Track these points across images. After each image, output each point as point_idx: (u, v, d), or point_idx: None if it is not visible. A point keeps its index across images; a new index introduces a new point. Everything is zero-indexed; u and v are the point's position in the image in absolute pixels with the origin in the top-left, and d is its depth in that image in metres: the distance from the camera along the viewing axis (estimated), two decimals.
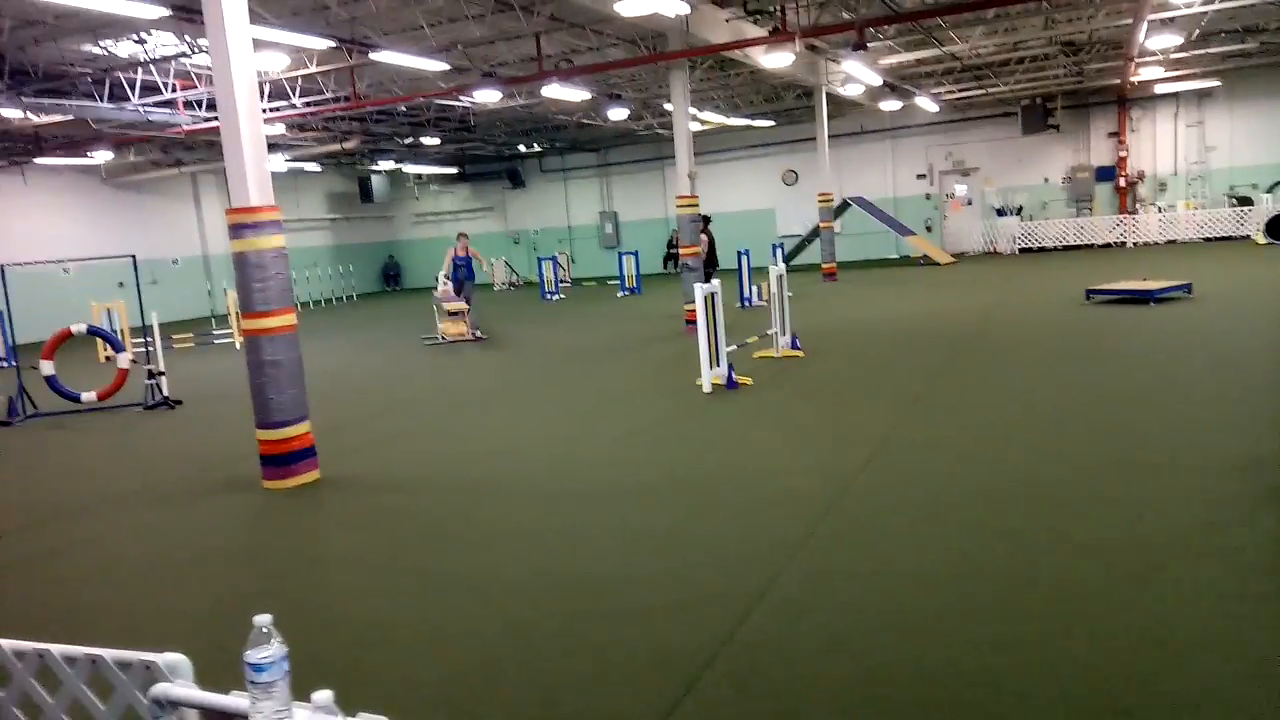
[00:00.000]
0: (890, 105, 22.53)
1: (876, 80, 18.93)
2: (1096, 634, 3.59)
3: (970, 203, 27.75)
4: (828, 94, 21.58)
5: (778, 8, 13.86)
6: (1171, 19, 15.87)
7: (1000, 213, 26.76)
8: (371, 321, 22.01)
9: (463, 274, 16.77)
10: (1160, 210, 25.18)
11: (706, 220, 18.54)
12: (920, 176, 28.17)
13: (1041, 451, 6.28)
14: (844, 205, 25.28)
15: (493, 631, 4.10)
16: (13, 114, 15.62)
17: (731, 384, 9.52)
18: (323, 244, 31.91)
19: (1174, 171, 25.57)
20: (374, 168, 30.77)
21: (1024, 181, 26.93)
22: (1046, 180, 26.80)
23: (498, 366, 12.84)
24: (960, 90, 23.99)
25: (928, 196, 28.18)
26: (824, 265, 22.38)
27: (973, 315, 13.68)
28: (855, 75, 17.58)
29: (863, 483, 5.86)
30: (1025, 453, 6.28)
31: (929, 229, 27.86)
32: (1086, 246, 25.50)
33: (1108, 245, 25.31)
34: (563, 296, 24.38)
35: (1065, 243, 25.68)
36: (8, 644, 2.17)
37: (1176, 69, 22.26)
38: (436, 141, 25.56)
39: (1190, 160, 25.40)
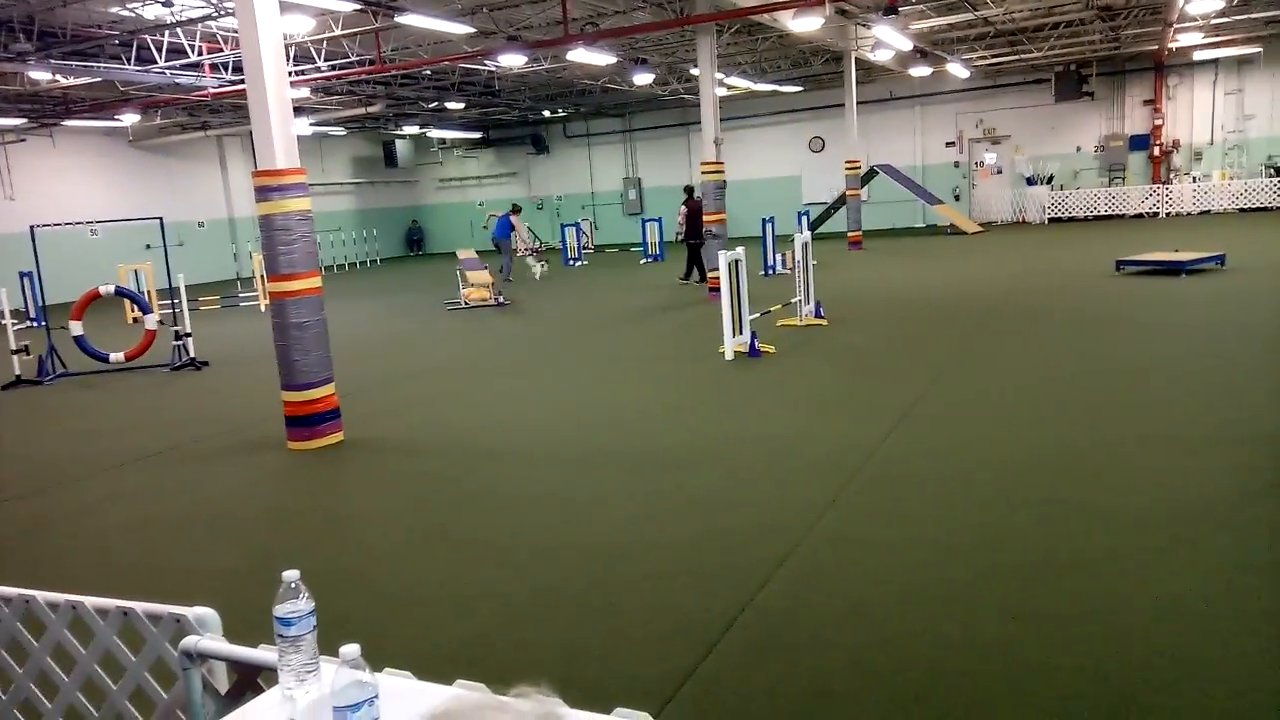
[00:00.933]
0: (920, 71, 22.15)
1: (907, 45, 18.60)
2: (1116, 605, 3.57)
3: (1000, 171, 27.35)
4: (857, 59, 21.25)
5: None
6: None
7: (1030, 181, 26.36)
8: (395, 286, 22.09)
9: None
10: (1195, 180, 24.71)
11: (689, 190, 18.46)
12: (949, 144, 27.77)
13: (1066, 423, 6.23)
14: (871, 173, 24.99)
15: (516, 594, 4.14)
16: (41, 76, 15.69)
17: (754, 352, 9.49)
18: (347, 208, 31.99)
19: (1210, 140, 25.03)
20: (398, 132, 30.72)
21: (1055, 150, 26.48)
22: (1079, 149, 26.33)
23: (520, 332, 12.87)
24: (993, 56, 23.54)
25: (956, 164, 27.79)
26: (850, 233, 22.18)
27: (1000, 285, 13.53)
28: (885, 40, 17.28)
29: (886, 452, 5.84)
30: (1049, 424, 6.23)
31: (957, 198, 27.51)
32: (1118, 217, 25.10)
33: (1140, 215, 24.89)
34: (585, 263, 24.34)
35: (1096, 213, 25.29)
36: (42, 595, 2.21)
37: (1216, 34, 21.72)
38: (461, 106, 25.45)
39: (1227, 129, 24.85)
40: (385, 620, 3.99)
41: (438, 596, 4.20)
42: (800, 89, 27.13)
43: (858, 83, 21.98)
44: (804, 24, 14.38)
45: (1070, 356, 8.37)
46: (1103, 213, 25.23)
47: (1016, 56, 23.56)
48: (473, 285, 16.26)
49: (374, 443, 7.16)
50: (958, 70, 23.40)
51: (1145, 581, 3.78)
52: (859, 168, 22.58)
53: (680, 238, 17.83)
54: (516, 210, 21.09)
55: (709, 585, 4.05)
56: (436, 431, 7.39)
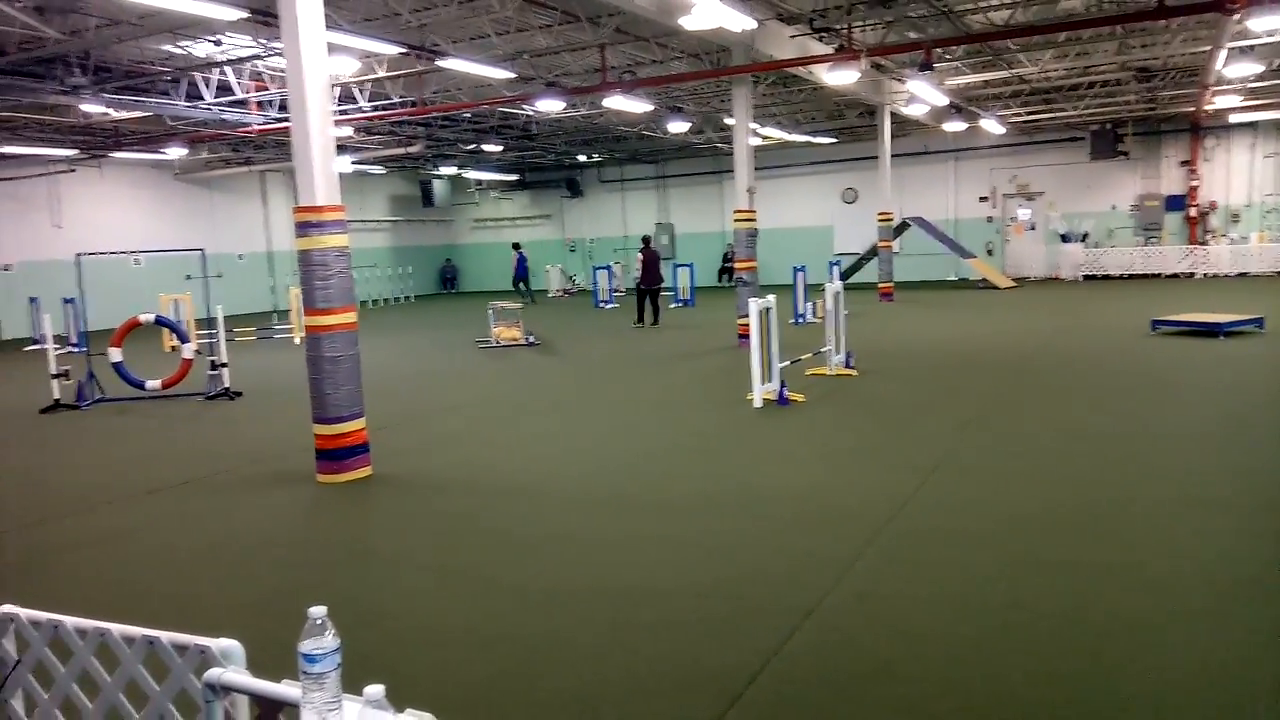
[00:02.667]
0: (955, 126, 22.25)
1: (942, 100, 18.71)
2: (1148, 671, 3.48)
3: (1033, 227, 27.27)
4: (891, 113, 21.39)
5: (845, 26, 13.79)
6: (1251, 47, 15.45)
7: (1065, 238, 26.24)
8: (428, 323, 22.30)
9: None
10: (1232, 241, 24.47)
11: (646, 240, 19.51)
12: (983, 199, 27.77)
13: (1098, 483, 6.13)
14: (903, 225, 25.01)
15: (535, 637, 4.11)
16: (94, 109, 16.16)
17: (783, 400, 9.45)
18: (383, 245, 32.45)
19: (1248, 202, 24.84)
20: (436, 172, 31.23)
21: (1090, 208, 26.37)
22: (1114, 207, 26.21)
23: (549, 373, 12.91)
24: (1028, 113, 23.61)
25: (989, 219, 27.75)
26: (881, 285, 22.15)
27: (1032, 341, 13.42)
28: (920, 95, 17.39)
29: (914, 505, 5.77)
30: (1081, 484, 6.13)
31: (990, 252, 27.43)
32: (1153, 276, 24.87)
33: (1175, 276, 24.66)
34: (616, 305, 24.46)
35: (1131, 271, 25.08)
36: (70, 621, 2.23)
37: (1255, 98, 21.65)
38: (498, 148, 25.86)
39: (1266, 192, 24.65)
40: (405, 659, 3.97)
41: (458, 637, 4.18)
42: (834, 140, 27.32)
43: (892, 135, 22.11)
44: (840, 78, 14.51)
45: (1103, 415, 8.26)
46: (1138, 272, 25.02)
47: (1051, 114, 23.61)
48: (503, 324, 16.38)
49: (401, 478, 7.19)
50: (992, 126, 23.48)
51: (1178, 647, 3.68)
52: (891, 219, 22.61)
53: (637, 284, 18.94)
54: (516, 247, 27.48)
55: (732, 635, 4.00)
56: (463, 469, 7.40)
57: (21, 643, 2.31)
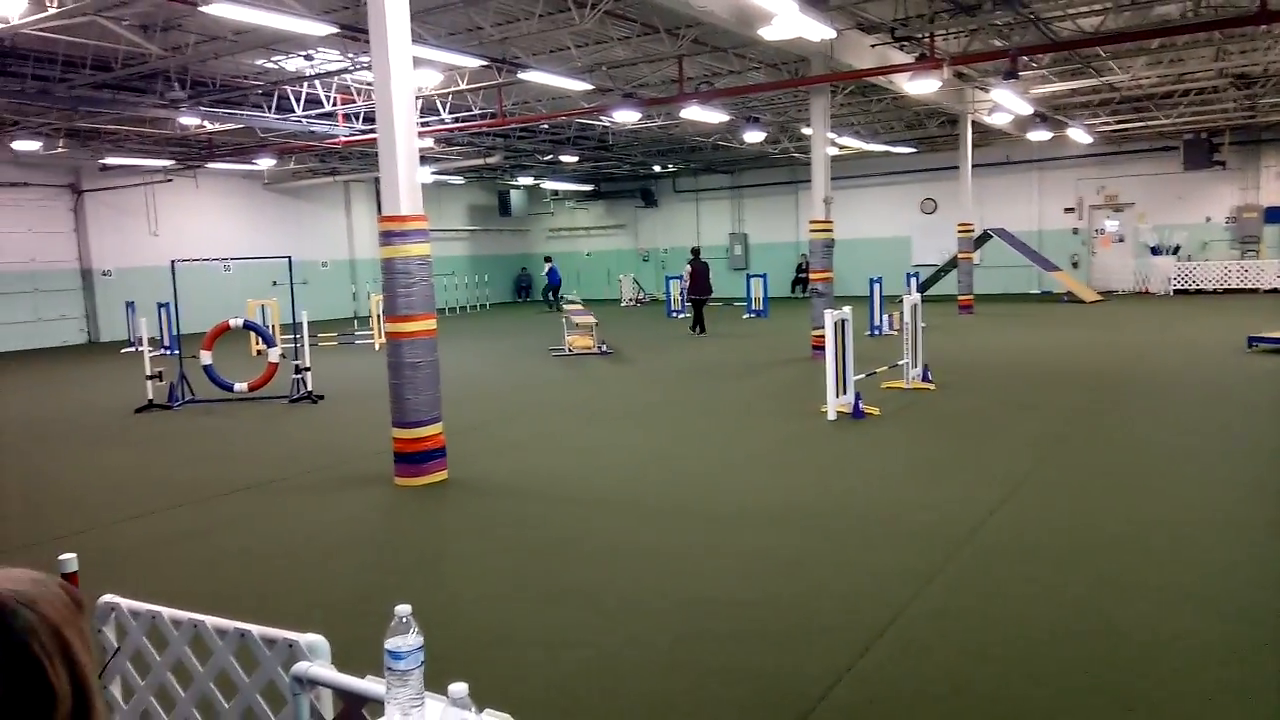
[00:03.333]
0: (1039, 135, 21.68)
1: (1027, 109, 18.27)
2: (1239, 703, 3.33)
3: (1122, 239, 26.41)
4: (973, 122, 20.98)
5: (927, 34, 13.59)
6: None
7: (1155, 251, 25.35)
8: (502, 330, 22.62)
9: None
10: None
11: (695, 252, 20.39)
12: (1068, 210, 27.00)
13: (1189, 506, 5.89)
14: (984, 236, 24.47)
15: (608, 645, 4.13)
16: (190, 121, 16.86)
17: (858, 413, 9.33)
18: (461, 254, 33.03)
19: None
20: (513, 183, 31.71)
21: (1183, 219, 25.42)
22: (1208, 219, 25.22)
23: (621, 382, 12.97)
24: (1117, 121, 22.89)
25: (1075, 231, 26.97)
26: (960, 297, 21.70)
27: (1120, 357, 12.98)
28: (1004, 104, 17.02)
29: (994, 523, 5.63)
30: (1172, 506, 5.91)
31: (1075, 265, 26.65)
32: (1250, 291, 23.84)
33: (1274, 291, 23.60)
34: (688, 315, 24.43)
35: (1226, 286, 24.09)
36: (167, 612, 2.33)
37: None
38: (575, 159, 26.13)
39: None
40: (479, 661, 4.03)
41: (529, 640, 4.22)
42: (913, 150, 26.89)
43: (973, 145, 21.67)
44: (920, 87, 14.30)
45: (1197, 435, 7.94)
46: (1233, 286, 24.02)
47: (1143, 123, 22.86)
48: (577, 332, 16.52)
49: (476, 483, 7.30)
50: (1079, 135, 22.83)
51: (1271, 678, 3.51)
52: (972, 231, 22.15)
53: (685, 294, 20.09)
54: (548, 260, 30.43)
55: (803, 650, 3.96)
56: (536, 476, 7.48)
57: (120, 631, 2.41)
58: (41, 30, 11.07)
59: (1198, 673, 3.61)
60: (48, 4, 9.99)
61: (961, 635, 4.06)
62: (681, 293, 22.03)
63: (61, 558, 2.48)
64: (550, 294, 29.85)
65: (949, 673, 3.70)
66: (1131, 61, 16.85)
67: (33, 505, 7.12)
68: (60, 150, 19.35)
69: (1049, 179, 27.12)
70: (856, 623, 4.20)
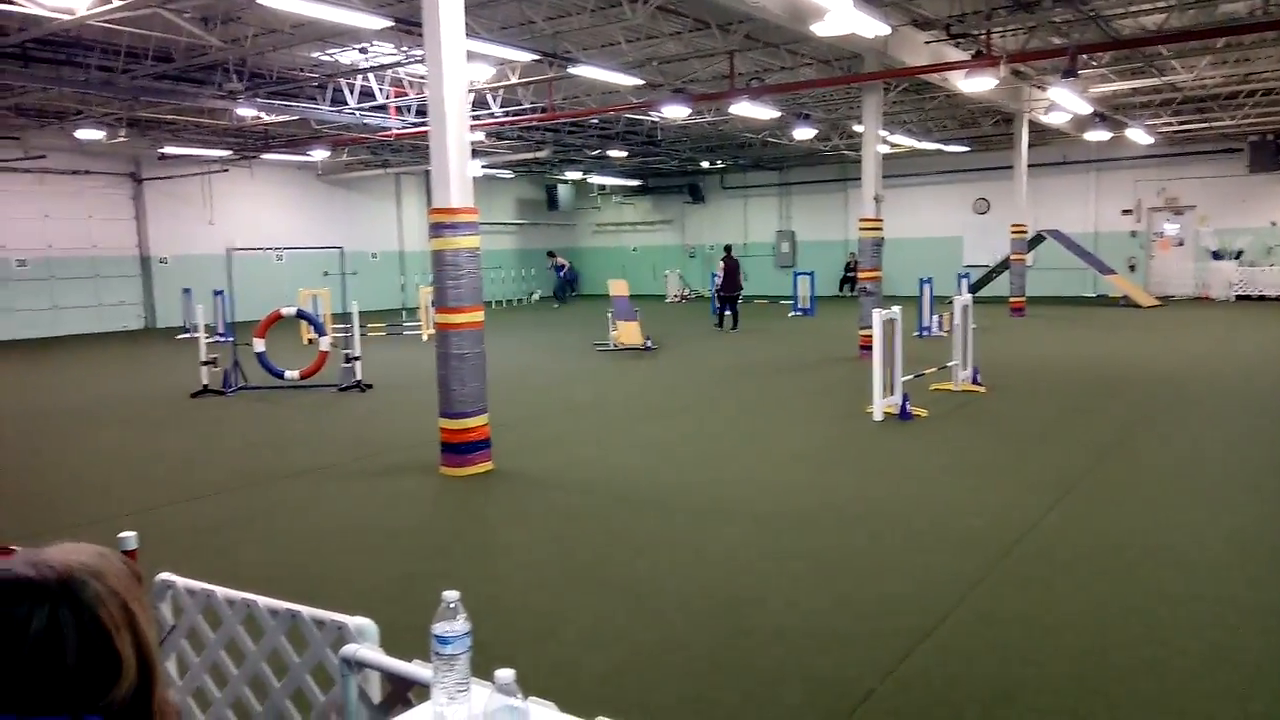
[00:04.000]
0: (1098, 135, 21.22)
1: (1085, 109, 17.89)
2: None
3: (1181, 243, 25.76)
4: (1029, 121, 20.59)
5: (983, 31, 13.36)
6: None
7: (1216, 255, 24.68)
8: (548, 324, 22.73)
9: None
10: None
11: (728, 249, 20.74)
12: (1126, 212, 26.39)
13: (1245, 516, 5.74)
14: (1038, 238, 24.02)
15: (648, 639, 4.14)
16: (247, 113, 17.16)
17: (905, 414, 9.22)
18: (508, 247, 33.24)
19: None
20: (561, 177, 31.82)
21: (1246, 223, 24.70)
22: (1274, 223, 24.47)
23: (666, 378, 12.96)
24: (1179, 122, 22.32)
25: (1133, 234, 26.36)
26: (1012, 299, 21.34)
27: (1178, 362, 12.68)
28: (1062, 103, 16.68)
29: (1044, 529, 5.54)
30: (1231, 516, 5.76)
31: (1132, 268, 26.05)
32: None
33: None
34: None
35: None
36: (221, 591, 2.38)
37: None
38: (623, 154, 26.15)
39: None
40: (522, 650, 4.05)
41: (572, 633, 4.24)
42: (967, 149, 26.48)
43: (1029, 144, 21.27)
44: (976, 84, 14.06)
45: (1254, 444, 7.73)
46: None
47: (1206, 124, 22.27)
48: (622, 327, 16.54)
49: (519, 475, 7.35)
50: (1139, 136, 22.30)
51: None
52: (1025, 232, 21.76)
53: (716, 291, 20.45)
54: (551, 255, 30.16)
55: (847, 651, 3.92)
56: (579, 469, 7.51)
57: (177, 609, 2.47)
58: (106, 22, 11.34)
59: (1253, 689, 3.52)
60: None
61: (1008, 642, 4.00)
62: (714, 290, 22.04)
63: (121, 535, 2.54)
64: (563, 291, 30.06)
65: (995, 679, 3.65)
66: (1196, 61, 16.41)
67: (92, 485, 7.32)
68: (121, 139, 19.83)
69: (1106, 180, 26.53)
70: (900, 626, 4.15)
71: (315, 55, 15.09)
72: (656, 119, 20.43)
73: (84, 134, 18.34)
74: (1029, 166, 21.61)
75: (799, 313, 23.57)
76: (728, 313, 20.06)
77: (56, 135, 19.62)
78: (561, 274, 30.24)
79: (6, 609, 1.12)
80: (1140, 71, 16.87)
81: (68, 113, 17.77)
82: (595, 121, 21.38)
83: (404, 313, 25.67)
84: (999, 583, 4.70)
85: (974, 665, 3.78)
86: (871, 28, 10.73)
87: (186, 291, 21.31)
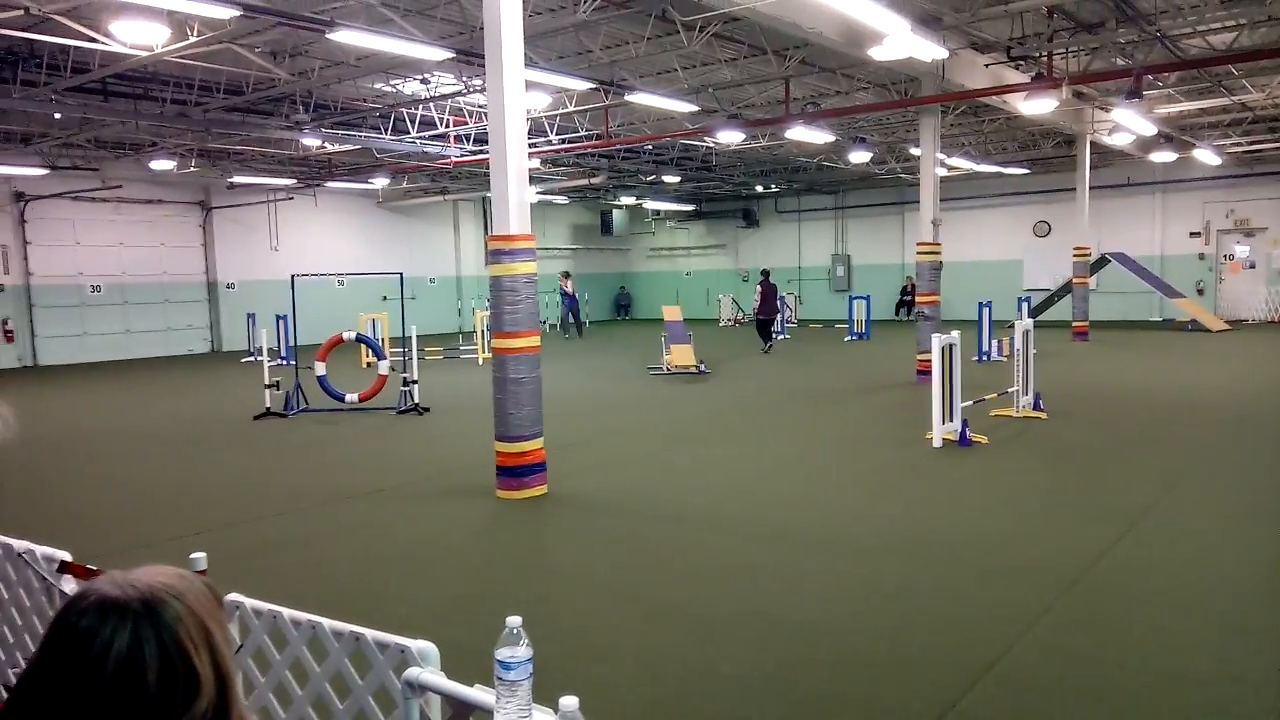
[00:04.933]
0: (1163, 156, 20.76)
1: (1150, 130, 17.54)
2: None
3: (1253, 266, 25.01)
4: (1092, 142, 20.24)
5: (1044, 53, 13.20)
6: None
7: None
8: (602, 348, 22.84)
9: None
10: None
11: (765, 273, 21.04)
12: (1194, 234, 25.72)
13: None
14: (1102, 260, 23.52)
15: (703, 665, 4.11)
16: (313, 142, 17.65)
17: (964, 441, 9.06)
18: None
19: None
20: (616, 202, 32.06)
21: None
22: None
23: (720, 402, 12.92)
24: (1249, 142, 21.75)
25: (1201, 256, 25.67)
26: (1075, 323, 20.90)
27: (1248, 389, 12.26)
28: (1126, 124, 16.38)
29: (1110, 562, 5.38)
30: None
31: (1200, 292, 25.35)
32: None
33: None
34: (787, 337, 24.23)
35: None
36: (288, 613, 2.43)
37: None
38: (677, 179, 26.29)
39: None
40: (578, 674, 4.05)
41: (626, 656, 4.23)
42: (1027, 171, 26.10)
43: (1091, 166, 20.89)
44: (1036, 106, 13.89)
45: None
46: None
47: (1278, 144, 21.65)
48: (676, 351, 16.55)
49: (575, 499, 7.37)
50: (1208, 157, 21.78)
51: None
52: (1088, 255, 21.33)
53: (755, 314, 20.91)
54: (566, 275, 27.21)
55: (907, 682, 3.85)
56: (634, 494, 7.51)
57: (244, 629, 2.52)
58: (181, 57, 11.77)
59: None
60: (189, 33, 10.64)
61: (1073, 676, 3.89)
62: (753, 312, 21.94)
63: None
64: (568, 318, 26.67)
65: (1060, 714, 3.55)
66: (1268, 79, 16.01)
67: (161, 504, 7.52)
68: (192, 169, 20.53)
69: (1173, 202, 25.91)
70: (961, 657, 4.07)
71: (378, 86, 15.49)
72: (711, 144, 20.51)
73: (157, 164, 19.04)
74: (1091, 188, 21.20)
75: (854, 337, 23.36)
76: (775, 334, 20.53)
77: (132, 166, 20.40)
78: (569, 302, 26.74)
79: (92, 627, 1.16)
80: (1209, 91, 16.50)
81: (143, 144, 18.46)
82: (650, 147, 21.55)
83: (460, 336, 26.01)
84: (1064, 616, 4.57)
85: (1038, 700, 3.68)
86: (930, 51, 10.69)
87: (251, 316, 21.87)
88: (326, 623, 2.32)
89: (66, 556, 2.93)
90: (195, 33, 10.64)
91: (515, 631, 1.68)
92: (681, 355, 16.24)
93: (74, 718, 1.13)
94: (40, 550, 2.98)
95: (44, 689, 1.15)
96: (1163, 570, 5.25)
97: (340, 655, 2.28)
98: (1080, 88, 15.26)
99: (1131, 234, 26.07)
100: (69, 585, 2.86)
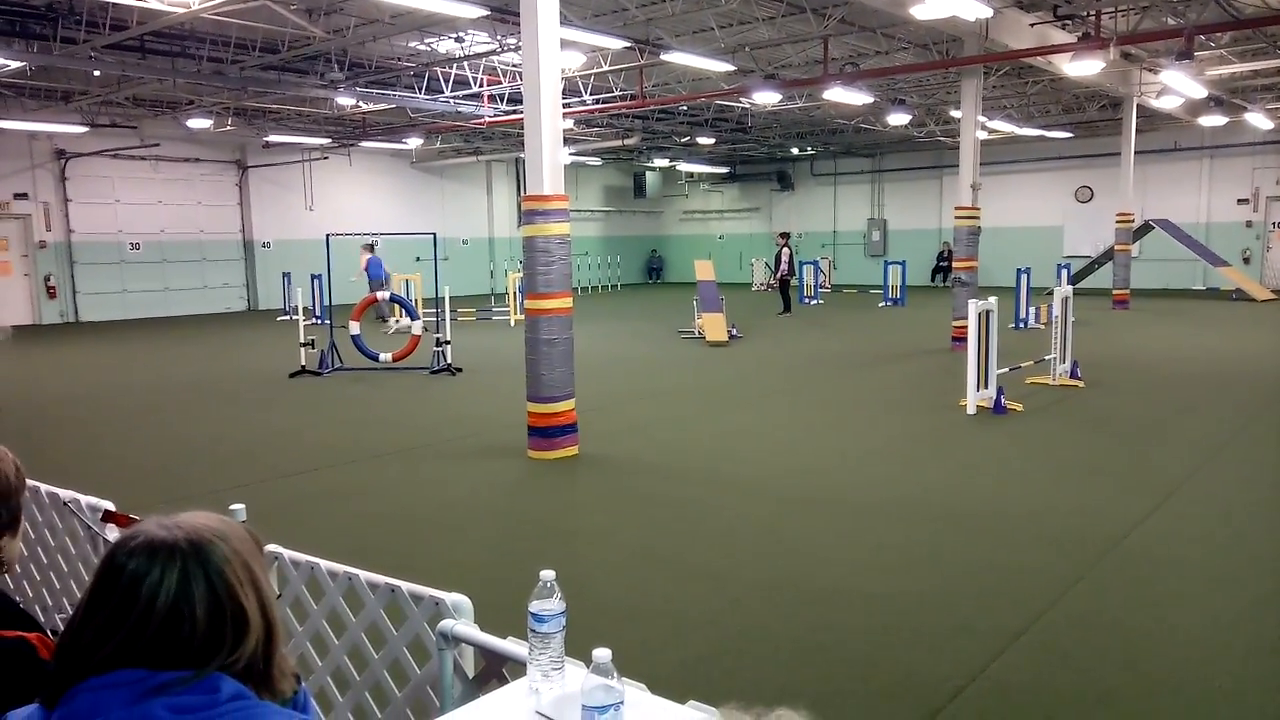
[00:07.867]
0: (1213, 120, 20.18)
1: (1200, 93, 17.05)
2: None
3: None
4: (1138, 106, 19.72)
5: (1091, 12, 12.83)
6: None
7: None
8: (633, 310, 22.82)
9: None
10: None
11: (785, 236, 21.58)
12: (1242, 201, 25.07)
13: None
14: (1145, 227, 23.02)
15: (732, 627, 4.13)
16: (347, 102, 17.65)
17: (999, 408, 8.97)
18: (595, 234, 33.44)
19: None
20: (649, 164, 31.84)
21: None
22: None
23: (751, 365, 12.88)
24: None
25: (1249, 224, 25.03)
26: (1116, 291, 20.53)
27: None
28: (1174, 87, 15.92)
29: (1146, 532, 5.33)
30: None
31: (1247, 260, 24.76)
32: None
33: None
34: (821, 302, 24.06)
35: None
36: (325, 564, 2.46)
37: None
38: (711, 141, 26.02)
39: None
40: (607, 632, 4.09)
41: (656, 617, 4.27)
42: (1070, 135, 25.52)
43: (1137, 130, 20.37)
44: (1082, 68, 13.51)
45: None
46: None
47: None
48: (707, 315, 16.45)
49: (605, 460, 7.41)
50: (1259, 121, 21.14)
51: None
52: (1131, 221, 20.88)
53: (781, 276, 20.99)
54: (371, 249, 18.98)
55: (936, 648, 3.85)
56: (665, 456, 7.53)
57: (282, 579, 2.57)
58: (217, 15, 11.79)
59: None
60: None
61: (1106, 644, 3.87)
62: (779, 275, 21.51)
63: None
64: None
65: (1092, 682, 3.54)
66: None
67: (199, 459, 7.67)
68: (229, 128, 20.64)
69: (1220, 167, 25.24)
70: (993, 624, 4.06)
71: (413, 45, 15.42)
72: (747, 105, 20.24)
73: (194, 123, 19.15)
74: (1136, 153, 20.69)
75: (889, 303, 23.14)
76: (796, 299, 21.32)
77: (169, 124, 20.55)
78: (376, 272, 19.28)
79: (141, 567, 1.19)
80: (1262, 52, 15.98)
81: (180, 102, 18.57)
82: (685, 108, 21.31)
83: (493, 298, 26.09)
84: (1097, 584, 4.54)
85: (1069, 668, 3.66)
86: (973, 10, 10.44)
87: (286, 275, 22.08)
88: (363, 574, 2.35)
89: (110, 506, 2.99)
90: None
91: (549, 584, 1.69)
92: (714, 326, 15.91)
93: (127, 657, 1.16)
94: (85, 500, 3.05)
95: (96, 629, 1.18)
96: (1199, 541, 5.19)
97: (376, 606, 2.31)
98: (1128, 48, 14.85)
99: (1176, 200, 25.46)
100: (112, 534, 2.93)
